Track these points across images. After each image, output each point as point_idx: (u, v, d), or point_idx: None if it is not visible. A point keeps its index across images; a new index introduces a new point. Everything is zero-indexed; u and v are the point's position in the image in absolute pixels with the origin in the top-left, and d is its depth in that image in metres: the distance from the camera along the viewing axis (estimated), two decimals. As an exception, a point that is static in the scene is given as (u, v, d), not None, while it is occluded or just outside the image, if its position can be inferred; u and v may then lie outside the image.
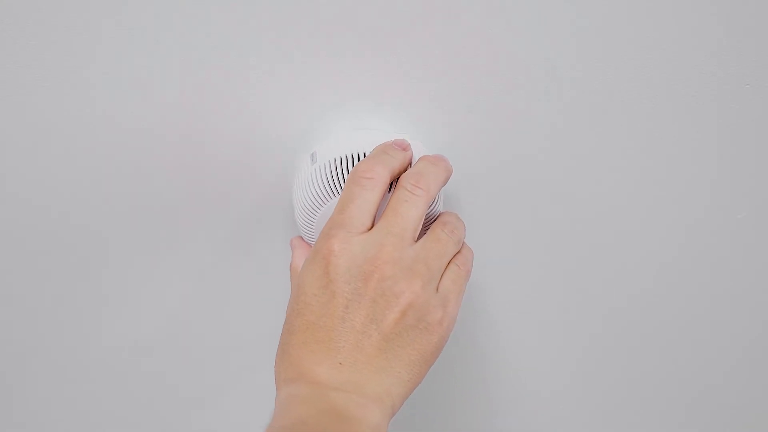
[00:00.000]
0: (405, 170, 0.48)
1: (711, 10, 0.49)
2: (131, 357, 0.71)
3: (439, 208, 0.52)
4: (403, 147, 0.48)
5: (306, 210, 0.52)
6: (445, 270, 0.45)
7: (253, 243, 0.62)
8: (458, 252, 0.47)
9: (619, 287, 0.66)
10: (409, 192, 0.44)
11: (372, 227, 0.44)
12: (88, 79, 0.52)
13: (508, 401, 0.76)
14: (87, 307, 0.66)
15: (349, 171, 0.50)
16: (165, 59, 0.51)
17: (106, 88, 0.52)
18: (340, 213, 0.44)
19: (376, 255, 0.42)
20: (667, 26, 0.50)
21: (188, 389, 0.75)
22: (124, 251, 0.62)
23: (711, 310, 0.68)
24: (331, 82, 0.52)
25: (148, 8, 0.49)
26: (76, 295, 0.65)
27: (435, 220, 0.49)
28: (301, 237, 0.53)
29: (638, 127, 0.55)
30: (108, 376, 0.72)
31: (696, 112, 0.54)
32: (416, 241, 0.44)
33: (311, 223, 0.53)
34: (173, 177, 0.57)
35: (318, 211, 0.52)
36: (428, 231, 0.47)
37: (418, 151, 0.54)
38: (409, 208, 0.44)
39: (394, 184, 0.48)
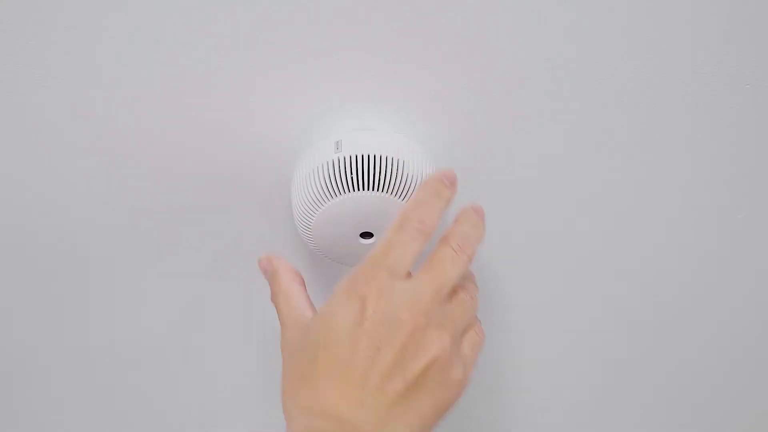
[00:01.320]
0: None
1: (711, 10, 0.49)
2: (131, 359, 0.71)
3: None
4: (452, 181, 0.49)
5: (309, 202, 0.52)
6: (465, 334, 0.47)
7: (253, 243, 0.62)
8: (476, 320, 0.49)
9: (620, 287, 0.66)
10: (455, 252, 0.46)
11: (410, 274, 0.45)
12: (88, 79, 0.52)
13: (508, 402, 0.76)
14: (85, 310, 0.66)
15: (372, 169, 0.51)
16: (165, 60, 0.51)
17: (106, 88, 0.52)
18: (385, 255, 0.45)
19: (414, 305, 0.43)
20: (667, 26, 0.50)
21: (188, 392, 0.74)
22: (123, 252, 0.62)
23: (710, 310, 0.68)
24: (332, 82, 0.52)
25: (148, 8, 0.49)
26: (75, 297, 0.65)
27: None
28: (280, 258, 0.52)
29: (638, 127, 0.55)
30: (108, 376, 0.72)
31: (696, 112, 0.54)
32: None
33: (310, 219, 0.53)
34: (173, 177, 0.57)
35: (321, 205, 0.52)
36: (455, 292, 0.47)
37: (418, 151, 0.54)
38: (451, 268, 0.45)
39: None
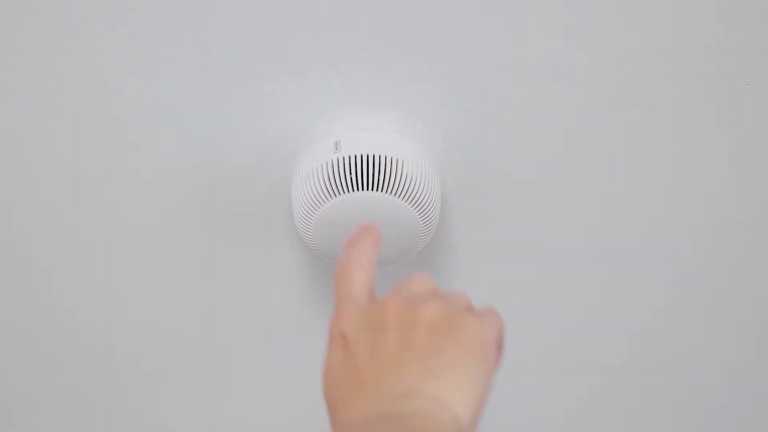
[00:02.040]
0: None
1: (711, 10, 0.49)
2: (131, 357, 0.71)
3: None
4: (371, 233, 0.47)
5: (309, 202, 0.52)
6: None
7: (253, 243, 0.62)
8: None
9: (619, 287, 0.66)
10: (421, 279, 0.45)
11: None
12: (88, 79, 0.52)
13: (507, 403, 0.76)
14: (83, 307, 0.67)
15: (371, 169, 0.51)
16: (165, 60, 0.51)
17: (106, 88, 0.52)
18: (341, 291, 0.44)
19: (384, 307, 0.42)
20: (667, 26, 0.50)
21: (186, 390, 0.75)
22: (124, 249, 0.62)
23: (710, 310, 0.68)
24: (332, 83, 0.52)
25: (148, 9, 0.49)
26: (73, 293, 0.66)
27: None
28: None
29: (638, 127, 0.55)
30: (108, 376, 0.72)
31: (696, 112, 0.54)
32: None
33: (310, 219, 0.53)
34: (173, 177, 0.57)
35: (321, 205, 0.52)
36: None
37: (418, 151, 0.54)
38: (418, 286, 0.44)
39: None
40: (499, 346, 0.43)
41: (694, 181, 0.58)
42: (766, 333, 0.70)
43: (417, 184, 0.52)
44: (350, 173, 0.51)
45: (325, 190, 0.51)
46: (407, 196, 0.52)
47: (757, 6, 0.49)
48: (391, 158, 0.52)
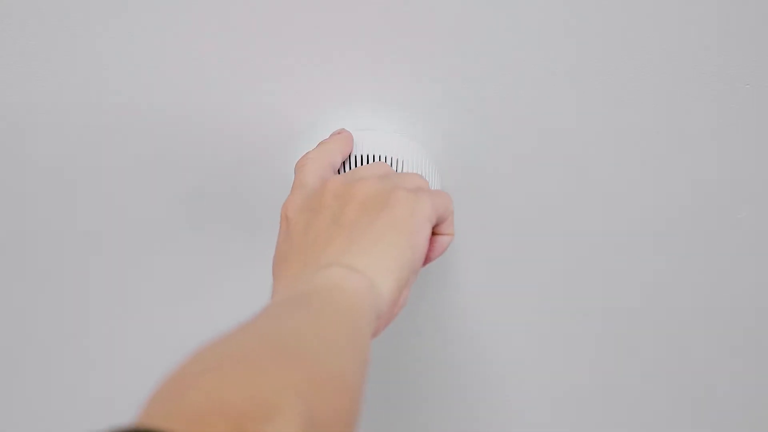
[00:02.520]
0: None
1: (711, 10, 0.49)
2: (130, 356, 0.71)
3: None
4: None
5: None
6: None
7: (253, 243, 0.62)
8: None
9: (619, 287, 0.66)
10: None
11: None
12: (88, 79, 0.52)
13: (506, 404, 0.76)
14: (82, 306, 0.67)
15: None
16: (165, 60, 0.51)
17: (106, 88, 0.52)
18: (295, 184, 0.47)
19: (324, 188, 0.43)
20: (667, 26, 0.50)
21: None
22: (122, 250, 0.62)
23: (709, 310, 0.68)
24: (332, 83, 0.52)
25: (148, 8, 0.49)
26: (73, 293, 0.66)
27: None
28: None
29: (638, 126, 0.55)
30: (109, 375, 0.72)
31: (696, 112, 0.54)
32: None
33: None
34: (173, 177, 0.57)
35: None
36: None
37: (418, 151, 0.54)
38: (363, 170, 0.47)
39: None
40: (437, 222, 0.43)
41: (694, 181, 0.58)
42: (766, 332, 0.70)
43: (417, 184, 0.52)
44: (350, 173, 0.51)
45: None
46: (407, 196, 0.52)
47: (757, 6, 0.49)
48: (391, 158, 0.52)
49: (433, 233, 0.45)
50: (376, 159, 0.51)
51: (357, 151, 0.52)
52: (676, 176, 0.58)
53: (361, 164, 0.51)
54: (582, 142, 0.56)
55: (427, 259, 0.45)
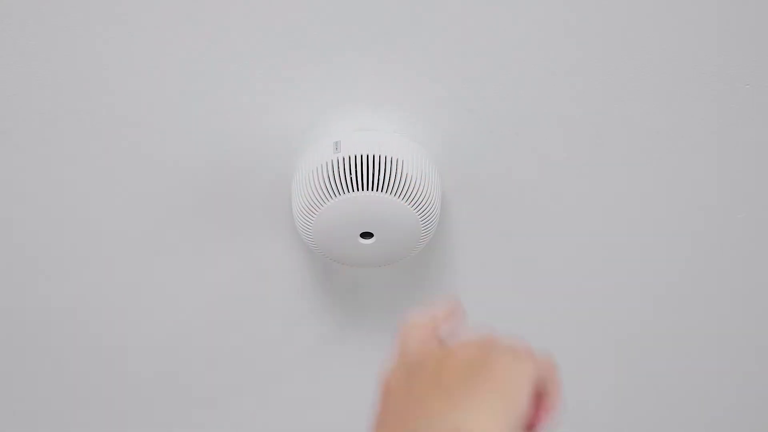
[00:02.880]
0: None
1: (711, 10, 0.49)
2: (130, 358, 0.71)
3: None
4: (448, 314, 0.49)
5: (309, 202, 0.52)
6: None
7: (253, 243, 0.62)
8: None
9: (619, 287, 0.66)
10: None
11: None
12: (88, 79, 0.52)
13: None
14: (82, 307, 0.67)
15: (371, 169, 0.51)
16: (166, 60, 0.51)
17: (106, 88, 0.52)
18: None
19: (425, 353, 0.42)
20: (667, 26, 0.50)
21: (187, 390, 0.75)
22: (125, 250, 0.62)
23: (709, 309, 0.68)
24: (332, 83, 0.52)
25: (149, 10, 0.49)
26: (72, 293, 0.66)
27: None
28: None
29: (638, 126, 0.55)
30: (114, 375, 0.72)
31: (696, 112, 0.54)
32: None
33: (310, 219, 0.53)
34: (173, 177, 0.57)
35: (321, 205, 0.52)
36: None
37: (418, 151, 0.54)
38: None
39: None
40: (542, 394, 0.42)
41: (695, 181, 0.58)
42: (765, 333, 0.70)
43: (417, 184, 0.52)
44: (350, 173, 0.51)
45: (325, 190, 0.51)
46: (407, 196, 0.52)
47: (757, 6, 0.49)
48: (391, 158, 0.52)
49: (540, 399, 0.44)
50: (376, 159, 0.51)
51: (357, 151, 0.52)
52: (676, 176, 0.58)
53: (362, 164, 0.51)
54: (582, 142, 0.56)
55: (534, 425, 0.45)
